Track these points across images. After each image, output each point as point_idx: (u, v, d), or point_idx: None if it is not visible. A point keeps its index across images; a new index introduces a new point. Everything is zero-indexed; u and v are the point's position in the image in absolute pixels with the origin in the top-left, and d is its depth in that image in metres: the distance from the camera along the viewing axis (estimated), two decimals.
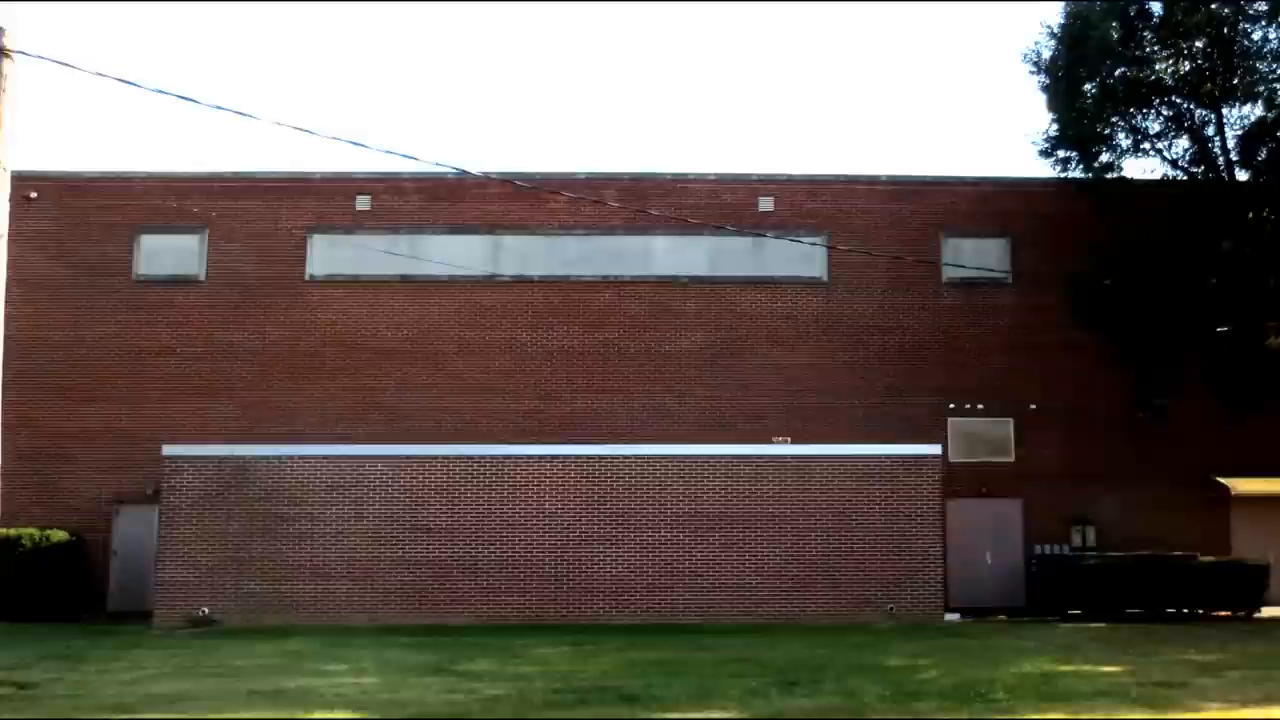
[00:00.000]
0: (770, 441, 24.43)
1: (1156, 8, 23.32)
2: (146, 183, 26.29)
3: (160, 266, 25.95)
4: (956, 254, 26.20)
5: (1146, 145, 24.43)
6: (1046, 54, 24.61)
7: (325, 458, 22.26)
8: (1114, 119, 24.10)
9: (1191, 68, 23.46)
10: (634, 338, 25.95)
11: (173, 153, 62.05)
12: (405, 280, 25.96)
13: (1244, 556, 24.17)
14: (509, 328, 25.88)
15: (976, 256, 26.05)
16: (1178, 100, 23.92)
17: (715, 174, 26.91)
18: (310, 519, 21.86)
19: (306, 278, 25.99)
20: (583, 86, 69.39)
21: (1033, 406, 25.67)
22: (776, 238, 25.52)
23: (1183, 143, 24.35)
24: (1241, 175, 23.77)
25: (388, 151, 27.98)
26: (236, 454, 22.22)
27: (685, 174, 26.81)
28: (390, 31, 70.31)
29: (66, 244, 25.80)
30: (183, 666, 15.27)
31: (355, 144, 23.39)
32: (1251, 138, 23.40)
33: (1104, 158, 24.37)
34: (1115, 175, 24.37)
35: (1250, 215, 23.43)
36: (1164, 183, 24.28)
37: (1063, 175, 24.93)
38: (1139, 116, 24.28)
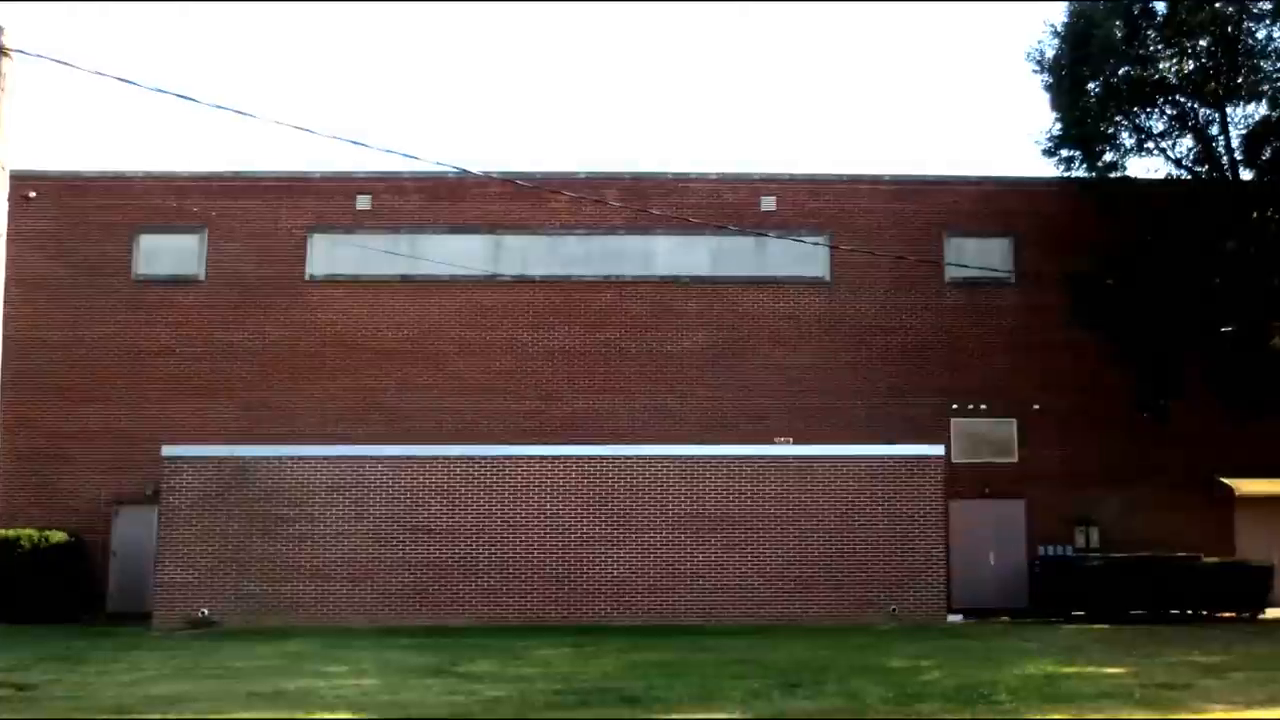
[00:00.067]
0: (772, 442, 24.39)
1: (1160, 6, 23.24)
2: (146, 182, 26.25)
3: (160, 266, 25.91)
4: (959, 254, 26.15)
5: (1150, 145, 24.41)
6: (1050, 53, 24.59)
7: (325, 458, 22.19)
8: (1118, 118, 24.06)
9: (1195, 67, 23.38)
10: (635, 338, 25.88)
11: (172, 152, 62.08)
12: (406, 280, 25.90)
13: (1248, 558, 24.15)
14: (510, 328, 25.82)
15: (979, 256, 25.99)
16: (1181, 99, 23.86)
17: (717, 173, 26.83)
18: (310, 520, 21.79)
19: (306, 278, 25.93)
20: (584, 86, 69.42)
21: (1036, 407, 25.60)
22: (778, 237, 25.45)
23: (1186, 142, 24.33)
24: (1246, 175, 23.71)
25: (388, 151, 28.02)
26: (236, 454, 22.15)
27: (687, 173, 26.74)
28: (390, 31, 70.37)
29: (66, 244, 25.76)
30: (182, 668, 15.23)
31: (355, 143, 23.28)
32: (1256, 137, 23.36)
33: (1107, 157, 24.35)
34: (1119, 175, 24.34)
35: (1254, 215, 23.39)
36: (1168, 182, 24.23)
37: (1066, 175, 24.89)
38: (1143, 116, 24.24)
